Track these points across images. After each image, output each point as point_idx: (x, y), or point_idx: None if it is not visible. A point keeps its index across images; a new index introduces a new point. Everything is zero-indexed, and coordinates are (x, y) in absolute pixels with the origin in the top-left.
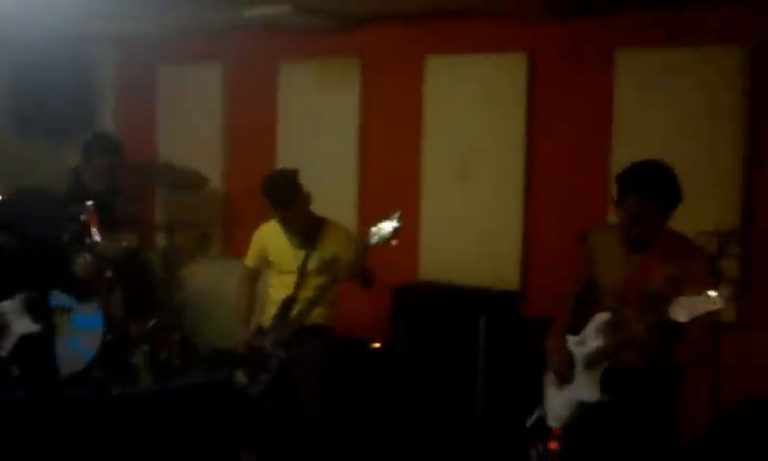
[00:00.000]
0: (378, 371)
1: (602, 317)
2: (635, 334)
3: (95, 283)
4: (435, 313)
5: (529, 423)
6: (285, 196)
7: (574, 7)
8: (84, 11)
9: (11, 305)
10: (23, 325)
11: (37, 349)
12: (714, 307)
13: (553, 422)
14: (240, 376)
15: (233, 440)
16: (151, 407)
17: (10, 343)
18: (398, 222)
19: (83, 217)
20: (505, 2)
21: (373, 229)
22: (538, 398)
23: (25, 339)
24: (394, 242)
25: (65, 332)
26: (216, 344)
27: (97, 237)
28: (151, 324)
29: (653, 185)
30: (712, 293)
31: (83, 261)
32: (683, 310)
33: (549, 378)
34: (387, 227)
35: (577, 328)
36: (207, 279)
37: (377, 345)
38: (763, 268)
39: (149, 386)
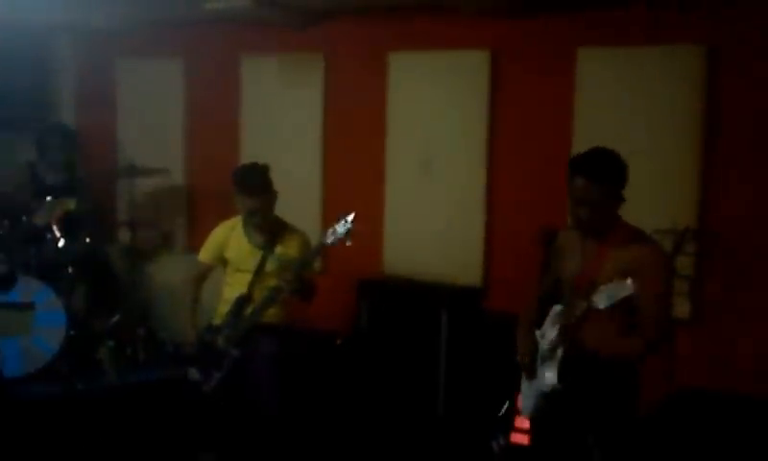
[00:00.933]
0: (342, 363)
1: (556, 308)
2: (570, 320)
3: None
4: (399, 307)
5: (501, 412)
6: (257, 184)
7: (536, 4)
8: (43, 1)
9: None
10: None
11: None
12: (630, 293)
13: (524, 412)
14: (193, 373)
15: (193, 436)
16: (115, 403)
17: None
18: (352, 223)
19: (41, 213)
20: None
21: (329, 230)
22: (497, 390)
23: None
24: (348, 243)
25: (28, 329)
26: (178, 339)
27: (57, 233)
28: (115, 319)
29: (596, 166)
30: (629, 280)
31: None
32: (602, 296)
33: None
34: (341, 228)
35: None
36: (171, 273)
37: (339, 341)
38: (717, 265)
39: (114, 381)
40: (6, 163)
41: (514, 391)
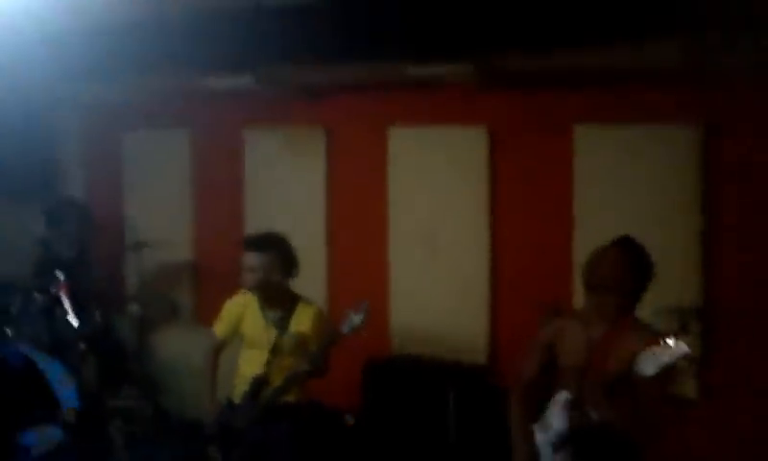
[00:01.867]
0: (351, 443)
1: (562, 397)
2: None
3: None
4: (406, 386)
5: None
6: (262, 241)
7: (534, 81)
8: (50, 76)
9: None
10: None
11: None
12: (679, 354)
13: None
14: (213, 452)
15: None
16: None
17: None
18: (366, 312)
19: (53, 290)
20: (466, 75)
21: (345, 319)
22: None
23: None
24: (363, 332)
25: None
26: (187, 413)
27: (68, 309)
28: (125, 394)
29: (630, 251)
30: (671, 340)
31: None
32: (648, 363)
33: None
34: (356, 318)
35: (537, 415)
36: (178, 346)
37: (351, 420)
38: (723, 344)
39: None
40: (15, 237)
41: None
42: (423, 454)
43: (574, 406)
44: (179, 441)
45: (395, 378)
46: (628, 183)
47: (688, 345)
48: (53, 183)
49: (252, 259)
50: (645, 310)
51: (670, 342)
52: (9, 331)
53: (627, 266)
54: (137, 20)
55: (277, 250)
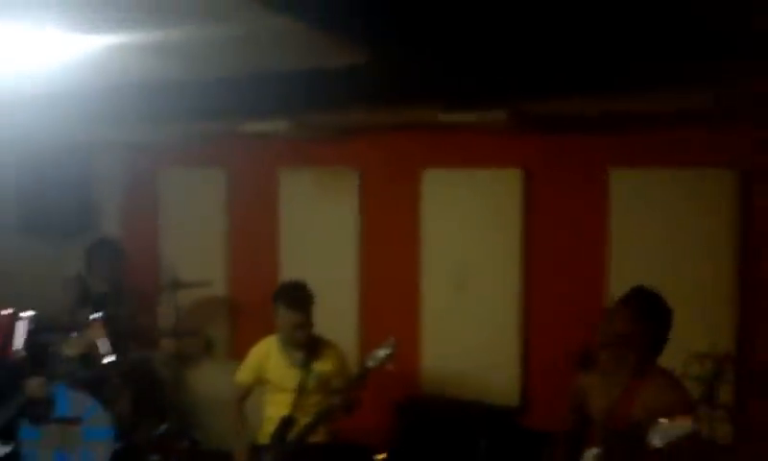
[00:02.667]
0: None
1: (592, 452)
2: None
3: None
4: (436, 427)
5: None
6: (304, 298)
7: (569, 125)
8: (89, 118)
9: None
10: None
11: None
12: (687, 431)
13: None
14: None
15: None
16: None
17: None
18: (393, 348)
19: (90, 329)
20: (498, 121)
21: (370, 355)
22: None
23: None
24: (389, 366)
25: (76, 443)
26: (222, 446)
27: (104, 347)
28: (160, 430)
29: (641, 304)
30: (685, 419)
31: (34, 383)
32: (658, 435)
33: None
34: (382, 352)
35: None
36: (213, 381)
37: (381, 457)
38: (759, 392)
39: None
40: (54, 275)
41: None
42: None
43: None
44: None
45: (426, 419)
46: (662, 228)
47: (720, 392)
48: (90, 222)
49: (297, 318)
50: (678, 356)
51: (683, 419)
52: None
53: (639, 320)
54: (176, 78)
55: (313, 303)
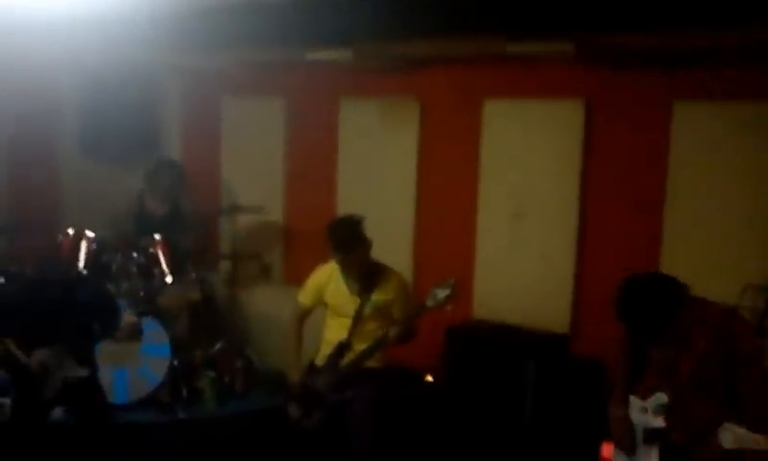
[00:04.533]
0: (430, 405)
1: (663, 398)
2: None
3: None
4: (486, 352)
5: None
6: (346, 242)
7: (634, 58)
8: (153, 43)
9: (51, 352)
10: (67, 369)
11: (84, 390)
12: (760, 447)
13: None
14: (294, 410)
15: None
16: (215, 431)
17: (53, 387)
18: (452, 289)
19: (151, 250)
20: (565, 53)
21: (430, 294)
22: (583, 437)
23: (70, 382)
24: (448, 307)
25: (136, 359)
26: (274, 366)
27: (165, 268)
28: (216, 349)
29: (634, 317)
30: (762, 438)
31: (127, 320)
32: (731, 438)
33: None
34: (441, 293)
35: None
36: (268, 304)
37: (430, 378)
38: None
39: (214, 410)
40: (118, 195)
41: (598, 440)
42: (501, 421)
43: (669, 411)
44: (265, 392)
45: (477, 343)
46: (726, 162)
47: None
48: (153, 146)
49: (344, 260)
50: (734, 286)
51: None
52: (110, 288)
53: (635, 313)
54: (240, 3)
55: (363, 240)
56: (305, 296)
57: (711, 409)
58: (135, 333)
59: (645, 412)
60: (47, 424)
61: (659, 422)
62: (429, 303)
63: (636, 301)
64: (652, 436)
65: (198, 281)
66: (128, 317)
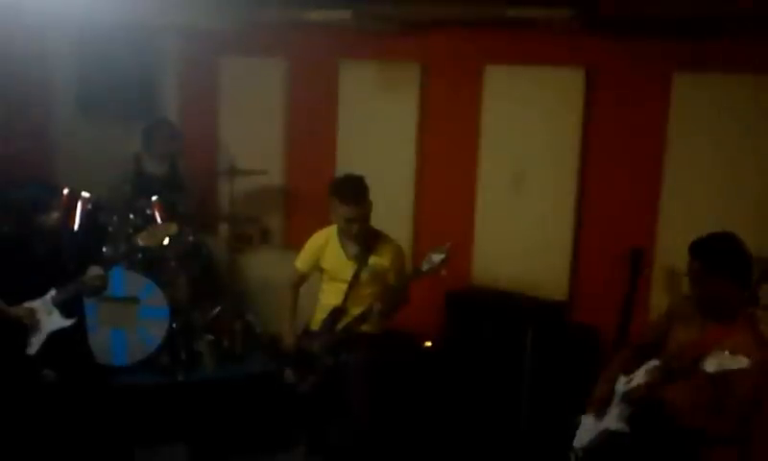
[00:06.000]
0: (428, 369)
1: (653, 362)
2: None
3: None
4: (485, 318)
5: None
6: (356, 193)
7: (636, 26)
8: (152, 4)
9: (41, 303)
10: (53, 322)
11: (71, 344)
12: (742, 366)
13: (577, 443)
14: (289, 375)
15: (287, 431)
16: (213, 393)
17: (38, 341)
18: (447, 254)
19: (148, 211)
20: (565, 19)
21: (425, 258)
22: (580, 404)
23: (57, 336)
24: (443, 272)
25: (134, 322)
26: (272, 329)
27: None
28: (215, 312)
29: (714, 255)
30: (744, 358)
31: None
32: (713, 362)
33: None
34: (436, 257)
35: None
36: (267, 267)
37: (429, 343)
38: None
39: (212, 373)
40: (114, 155)
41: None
42: (499, 387)
43: (659, 371)
44: (264, 356)
45: (475, 310)
46: (725, 133)
47: None
48: (151, 107)
49: (351, 211)
50: None
51: (743, 357)
52: (106, 250)
53: (710, 274)
54: None
55: (368, 197)
56: (302, 262)
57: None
58: (101, 283)
59: (629, 382)
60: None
61: (642, 379)
62: (424, 267)
63: (729, 245)
64: (630, 394)
65: (176, 219)
66: (92, 269)
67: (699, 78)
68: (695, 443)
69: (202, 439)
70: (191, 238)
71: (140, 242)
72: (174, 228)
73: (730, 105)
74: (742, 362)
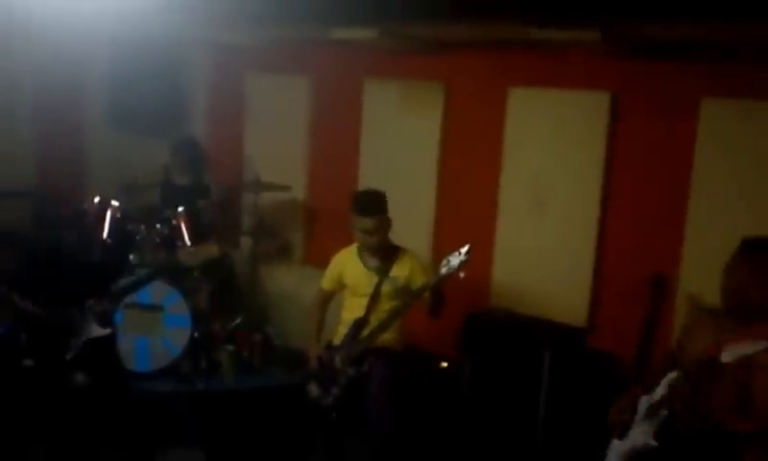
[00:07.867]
0: (444, 390)
1: (673, 374)
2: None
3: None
4: (503, 341)
5: None
6: (375, 205)
7: (662, 51)
8: (183, 16)
9: (80, 313)
10: (91, 329)
11: (104, 351)
12: (759, 348)
13: None
14: (312, 389)
15: (306, 444)
16: (232, 404)
17: (76, 346)
18: (466, 255)
19: (174, 222)
20: (592, 42)
21: (444, 261)
22: (596, 430)
23: (92, 342)
24: (461, 274)
25: (158, 330)
26: (292, 344)
27: (187, 240)
28: (235, 323)
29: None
30: (763, 340)
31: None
32: (730, 352)
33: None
34: (455, 260)
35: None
36: (287, 283)
37: (445, 364)
38: None
39: (231, 384)
40: (143, 167)
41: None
42: (516, 410)
43: (680, 380)
44: (282, 369)
45: (494, 332)
46: (752, 160)
47: None
48: (180, 119)
49: (368, 223)
50: None
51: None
52: (133, 258)
53: (746, 275)
54: None
55: (386, 210)
56: (326, 281)
57: None
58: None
59: (652, 397)
60: (68, 387)
61: (663, 390)
62: (443, 270)
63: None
64: (653, 408)
65: (217, 242)
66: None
67: (727, 103)
68: (728, 444)
69: (219, 447)
70: (215, 250)
71: (181, 259)
72: (215, 250)
73: (758, 130)
74: (760, 345)
